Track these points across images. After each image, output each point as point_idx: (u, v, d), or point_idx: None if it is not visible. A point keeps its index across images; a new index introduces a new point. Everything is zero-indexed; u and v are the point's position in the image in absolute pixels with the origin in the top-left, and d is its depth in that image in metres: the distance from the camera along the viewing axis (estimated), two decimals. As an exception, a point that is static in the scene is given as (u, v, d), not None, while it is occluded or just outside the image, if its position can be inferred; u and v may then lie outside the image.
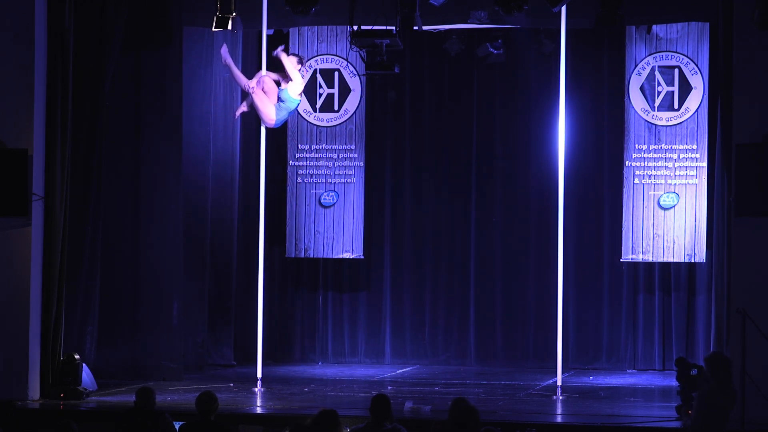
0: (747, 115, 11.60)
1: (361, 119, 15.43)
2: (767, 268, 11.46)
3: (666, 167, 14.64)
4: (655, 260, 14.82)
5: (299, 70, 14.27)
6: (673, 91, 14.64)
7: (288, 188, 15.49)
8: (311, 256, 15.50)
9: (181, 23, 13.91)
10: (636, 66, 14.71)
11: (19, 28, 12.18)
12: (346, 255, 15.41)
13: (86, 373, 12.48)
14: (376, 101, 15.71)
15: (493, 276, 15.62)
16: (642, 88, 14.70)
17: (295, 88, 14.10)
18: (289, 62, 14.08)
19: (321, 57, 15.47)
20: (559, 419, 11.56)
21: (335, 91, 15.37)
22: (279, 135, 15.23)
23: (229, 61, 14.27)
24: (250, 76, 14.29)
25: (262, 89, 13.94)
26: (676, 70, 14.64)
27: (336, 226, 15.35)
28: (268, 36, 13.61)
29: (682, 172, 14.62)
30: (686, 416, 9.72)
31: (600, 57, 15.31)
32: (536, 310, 15.35)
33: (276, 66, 14.22)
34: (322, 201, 15.40)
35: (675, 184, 14.63)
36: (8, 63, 12.19)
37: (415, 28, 12.90)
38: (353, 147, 15.39)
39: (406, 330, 15.79)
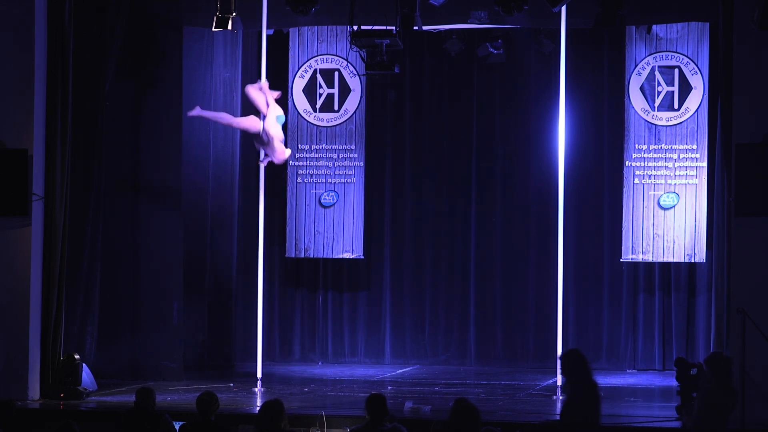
0: (747, 115, 11.61)
1: (361, 119, 15.42)
2: (767, 268, 11.47)
3: (666, 167, 14.64)
4: (655, 260, 14.81)
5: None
6: (673, 91, 14.64)
7: (288, 188, 15.49)
8: (311, 256, 15.51)
9: (181, 23, 13.91)
10: (636, 66, 14.71)
11: (19, 28, 12.18)
12: (346, 255, 15.41)
13: (86, 373, 12.47)
14: (376, 101, 15.70)
15: (493, 276, 15.62)
16: (642, 88, 14.69)
17: (278, 111, 13.57)
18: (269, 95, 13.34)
19: (321, 57, 15.47)
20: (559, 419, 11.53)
21: (335, 91, 15.37)
22: (279, 135, 15.22)
23: (234, 121, 13.71)
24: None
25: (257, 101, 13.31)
26: (676, 70, 14.64)
27: (336, 226, 15.35)
28: (267, 36, 13.58)
29: (682, 172, 14.62)
30: (686, 416, 9.71)
31: (600, 57, 15.31)
32: (536, 310, 15.34)
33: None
34: (322, 201, 15.40)
35: (675, 184, 14.63)
36: (8, 63, 12.19)
37: (415, 28, 12.90)
38: (353, 147, 15.38)
39: (406, 330, 15.78)
